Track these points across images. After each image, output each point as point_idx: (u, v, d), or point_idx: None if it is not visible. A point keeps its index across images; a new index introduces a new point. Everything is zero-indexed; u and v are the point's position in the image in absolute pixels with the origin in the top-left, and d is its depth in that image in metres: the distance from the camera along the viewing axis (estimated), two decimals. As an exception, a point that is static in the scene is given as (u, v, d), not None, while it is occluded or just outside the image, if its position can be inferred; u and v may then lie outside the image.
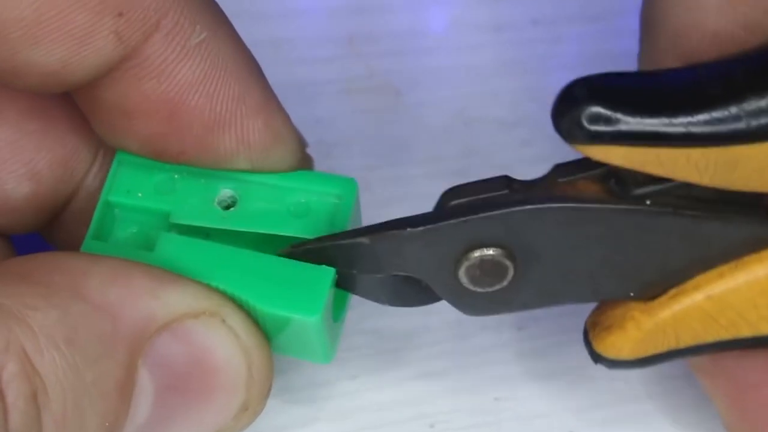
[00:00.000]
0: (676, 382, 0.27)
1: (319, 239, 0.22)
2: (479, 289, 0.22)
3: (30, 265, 0.20)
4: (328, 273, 0.21)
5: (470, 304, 0.23)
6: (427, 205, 0.30)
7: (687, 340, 0.22)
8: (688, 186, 0.20)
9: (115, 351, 0.19)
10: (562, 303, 0.23)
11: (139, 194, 0.23)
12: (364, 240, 0.21)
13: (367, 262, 0.22)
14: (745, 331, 0.22)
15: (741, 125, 0.19)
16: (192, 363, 0.21)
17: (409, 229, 0.21)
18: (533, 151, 0.31)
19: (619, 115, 0.19)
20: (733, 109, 0.19)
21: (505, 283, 0.22)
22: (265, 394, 0.22)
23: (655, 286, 0.22)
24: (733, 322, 0.22)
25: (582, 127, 0.19)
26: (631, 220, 0.21)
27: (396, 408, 0.27)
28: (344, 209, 0.22)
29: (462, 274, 0.22)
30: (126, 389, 0.20)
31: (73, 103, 0.23)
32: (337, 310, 0.23)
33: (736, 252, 0.22)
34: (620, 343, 0.23)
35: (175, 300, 0.20)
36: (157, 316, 0.20)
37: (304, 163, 0.24)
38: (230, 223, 0.22)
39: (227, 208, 0.22)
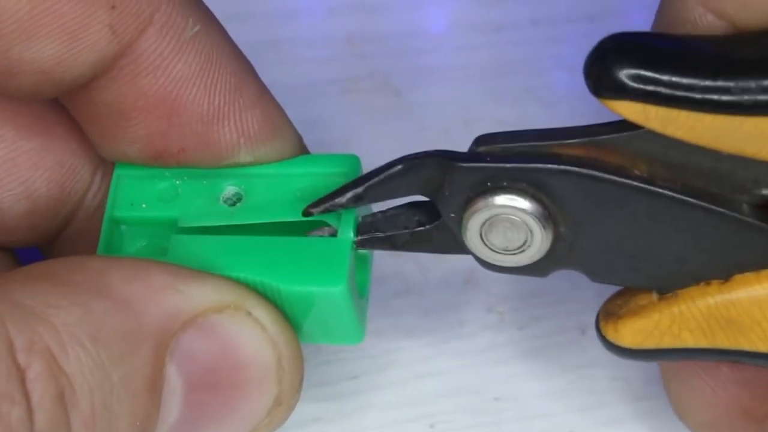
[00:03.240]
0: (676, 382, 0.27)
1: (345, 187, 0.21)
2: (498, 243, 0.22)
3: (50, 268, 0.20)
4: (346, 242, 0.21)
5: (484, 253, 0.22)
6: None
7: (694, 341, 0.22)
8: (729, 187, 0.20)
9: (140, 348, 0.19)
10: (571, 269, 0.22)
11: (144, 205, 0.22)
12: (399, 167, 0.21)
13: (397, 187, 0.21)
14: (745, 345, 0.22)
15: None
16: (220, 358, 0.20)
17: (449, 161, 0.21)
18: (533, 151, 0.31)
19: (654, 73, 0.19)
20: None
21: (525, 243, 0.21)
22: (297, 386, 0.22)
23: (675, 281, 0.22)
24: (742, 332, 0.22)
25: (614, 81, 0.19)
26: (662, 205, 0.21)
27: (396, 408, 0.27)
28: None
29: (482, 223, 0.21)
30: (155, 388, 0.19)
31: (72, 122, 0.23)
32: (361, 286, 0.23)
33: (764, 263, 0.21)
34: (629, 330, 0.22)
35: (197, 295, 0.20)
36: (181, 311, 0.20)
37: (303, 153, 0.24)
38: (239, 218, 0.22)
39: (234, 204, 0.22)
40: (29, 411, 0.17)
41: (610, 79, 0.19)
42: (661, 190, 0.20)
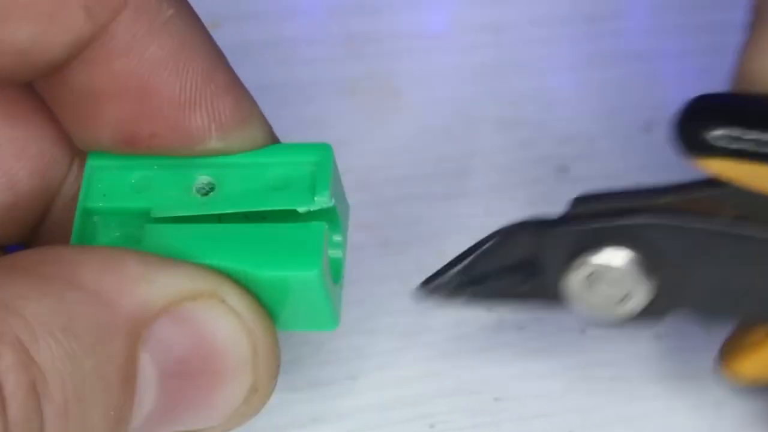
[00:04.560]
0: (677, 383, 0.27)
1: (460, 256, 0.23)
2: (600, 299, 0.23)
3: (20, 259, 0.20)
4: (319, 228, 0.21)
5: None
6: (428, 205, 0.30)
7: None
8: None
9: (113, 338, 0.19)
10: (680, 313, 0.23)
11: (117, 197, 0.22)
12: (495, 240, 0.23)
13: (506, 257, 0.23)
14: None
15: None
16: (194, 346, 0.20)
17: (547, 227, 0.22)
18: (533, 151, 0.31)
19: (741, 133, 0.20)
20: None
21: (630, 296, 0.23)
22: (274, 373, 0.22)
23: None
24: None
25: (704, 141, 0.20)
26: (755, 247, 0.22)
27: (396, 408, 0.27)
28: (323, 175, 0.22)
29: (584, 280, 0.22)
30: (129, 377, 0.19)
31: (48, 110, 0.23)
32: (336, 272, 0.23)
33: None
34: (748, 366, 0.24)
35: (170, 283, 0.20)
36: (154, 301, 0.20)
37: (274, 142, 0.23)
38: (211, 207, 0.22)
39: (206, 194, 0.22)
40: (2, 401, 0.17)
41: (700, 139, 0.21)
42: (752, 233, 0.21)
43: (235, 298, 0.21)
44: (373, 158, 0.30)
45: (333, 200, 0.22)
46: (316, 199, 0.22)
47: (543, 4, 0.34)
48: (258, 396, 0.21)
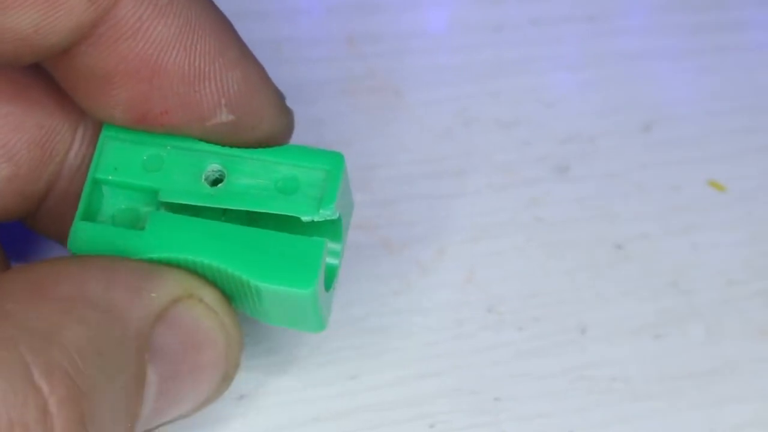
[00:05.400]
0: (677, 382, 0.27)
1: None
2: None
3: (35, 278, 0.20)
4: (319, 244, 0.22)
5: None
6: (428, 205, 0.30)
7: None
8: None
9: (128, 351, 0.20)
10: None
11: (127, 172, 0.23)
12: None
13: None
14: None
15: None
16: (184, 346, 0.21)
17: None
18: (533, 151, 0.31)
19: None
20: None
21: None
22: (240, 362, 0.23)
23: None
24: None
25: None
26: None
27: (396, 408, 0.27)
28: (332, 186, 0.22)
29: None
30: (140, 386, 0.20)
31: (50, 81, 0.23)
32: (329, 279, 0.23)
33: None
34: None
35: (163, 291, 0.21)
36: (153, 310, 0.21)
37: (286, 115, 0.24)
38: (219, 201, 0.22)
39: (215, 183, 0.22)
40: None
41: None
42: None
43: (210, 295, 0.22)
44: (373, 158, 0.30)
45: (338, 212, 0.22)
46: (321, 211, 0.22)
47: (543, 4, 0.34)
48: (226, 383, 0.23)
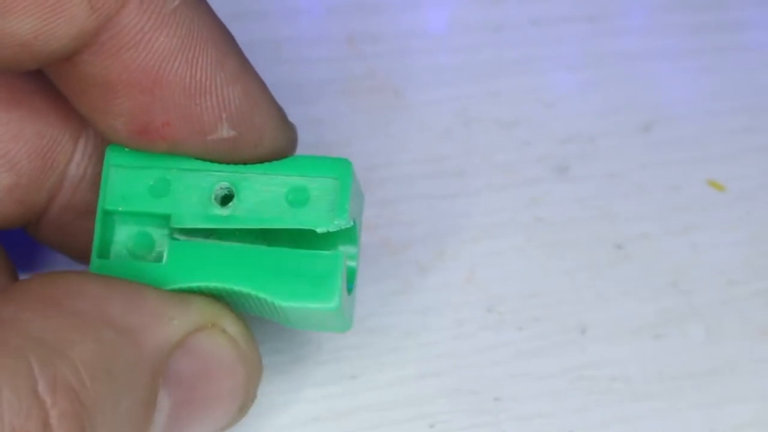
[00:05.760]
0: (677, 382, 0.27)
1: None
2: None
3: (52, 291, 0.20)
4: (337, 258, 0.22)
5: None
6: (428, 205, 0.30)
7: None
8: None
9: (141, 375, 0.20)
10: None
11: (136, 200, 0.22)
12: None
13: None
14: None
15: None
16: (200, 375, 0.21)
17: None
18: (533, 151, 0.31)
19: None
20: None
21: None
22: (256, 393, 0.23)
23: None
24: None
25: None
26: None
27: (396, 408, 0.27)
28: (342, 195, 0.22)
29: None
30: (149, 411, 0.20)
31: (52, 90, 0.23)
32: (349, 282, 0.23)
33: None
34: None
35: (185, 319, 0.21)
36: (172, 337, 0.21)
37: (288, 131, 0.24)
38: (231, 222, 0.22)
39: (225, 200, 0.22)
40: None
41: None
42: None
43: (234, 327, 0.22)
44: (373, 158, 0.30)
45: (352, 220, 0.22)
46: (335, 222, 0.22)
47: (543, 4, 0.34)
48: (242, 413, 0.23)
